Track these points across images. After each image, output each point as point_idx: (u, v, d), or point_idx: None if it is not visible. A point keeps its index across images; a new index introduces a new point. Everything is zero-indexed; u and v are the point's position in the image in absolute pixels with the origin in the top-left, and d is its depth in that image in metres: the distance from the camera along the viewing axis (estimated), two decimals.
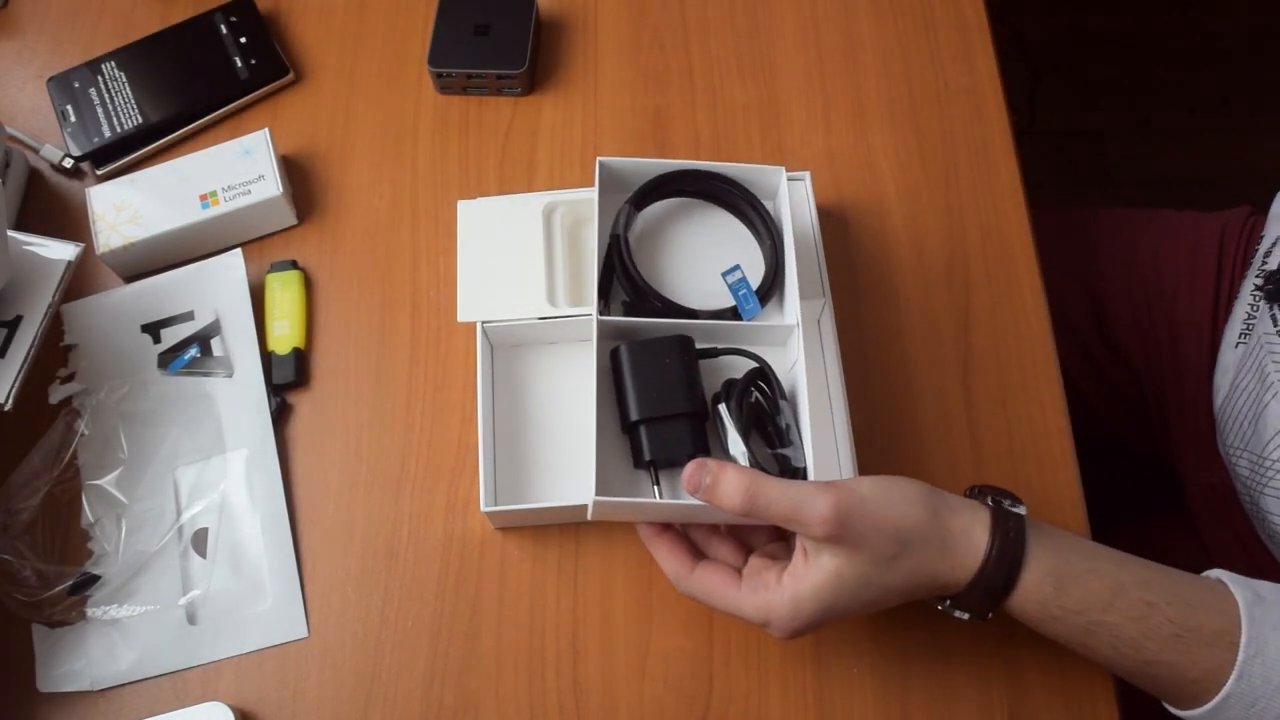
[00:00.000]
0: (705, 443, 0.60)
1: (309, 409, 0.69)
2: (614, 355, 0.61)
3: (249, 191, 0.71)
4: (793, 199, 0.68)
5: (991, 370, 0.68)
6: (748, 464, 0.57)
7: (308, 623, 0.63)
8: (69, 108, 0.76)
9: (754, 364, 0.62)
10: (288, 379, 0.68)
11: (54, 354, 0.70)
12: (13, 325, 0.66)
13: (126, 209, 0.71)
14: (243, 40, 0.78)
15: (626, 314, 0.64)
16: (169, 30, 0.79)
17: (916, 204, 0.73)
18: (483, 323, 0.65)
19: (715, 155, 0.75)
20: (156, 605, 0.63)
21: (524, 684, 0.61)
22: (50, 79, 0.77)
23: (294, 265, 0.72)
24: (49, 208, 0.76)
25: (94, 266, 0.73)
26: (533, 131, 0.77)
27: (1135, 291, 0.87)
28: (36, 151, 0.76)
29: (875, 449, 0.65)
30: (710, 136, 0.76)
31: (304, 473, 0.67)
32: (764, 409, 0.61)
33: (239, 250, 0.71)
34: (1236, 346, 0.75)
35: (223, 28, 0.79)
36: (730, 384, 0.61)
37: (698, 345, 0.62)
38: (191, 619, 0.63)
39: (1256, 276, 0.75)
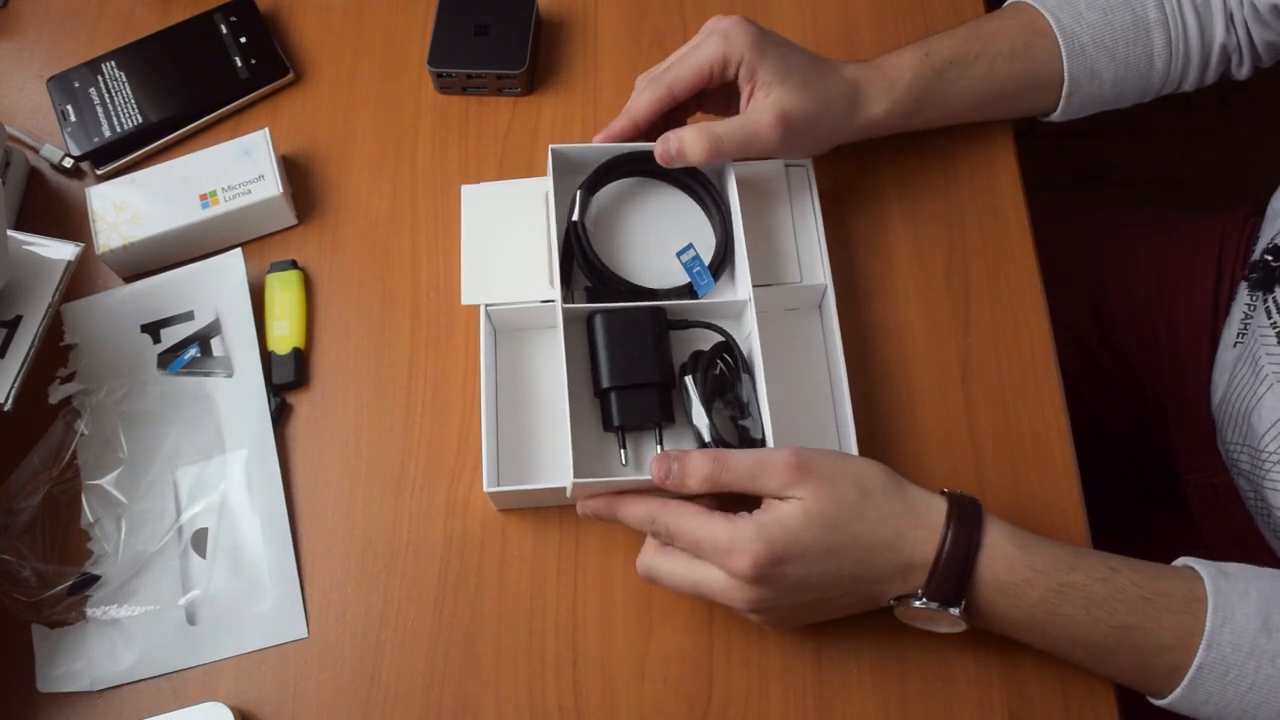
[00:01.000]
0: (671, 411, 0.63)
1: (309, 409, 0.69)
2: (589, 323, 0.64)
3: (249, 191, 0.71)
4: (793, 185, 0.70)
5: (991, 370, 0.68)
6: (708, 434, 0.61)
7: (307, 623, 0.63)
8: (69, 108, 0.76)
9: (721, 338, 0.64)
10: (288, 379, 0.68)
11: (54, 354, 0.70)
12: (12, 325, 0.66)
13: (126, 209, 0.71)
14: (243, 40, 0.78)
15: (589, 299, 0.66)
16: (169, 30, 0.79)
17: (916, 204, 0.73)
18: (486, 305, 0.66)
19: None
20: (156, 605, 0.63)
21: (524, 684, 0.61)
22: (50, 79, 0.77)
23: (294, 265, 0.72)
24: (49, 208, 0.76)
25: (94, 266, 0.73)
26: (533, 131, 0.77)
27: (1135, 291, 0.87)
28: (36, 151, 0.76)
29: (875, 449, 0.65)
30: None
31: (304, 473, 0.67)
32: (727, 381, 0.64)
33: (239, 250, 0.71)
34: (1235, 346, 0.75)
35: (223, 28, 0.79)
36: (697, 356, 0.64)
37: (669, 318, 0.65)
38: (191, 619, 0.63)
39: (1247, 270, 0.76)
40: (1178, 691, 0.53)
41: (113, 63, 0.77)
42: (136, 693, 0.62)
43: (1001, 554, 0.54)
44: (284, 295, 0.71)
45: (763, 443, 0.61)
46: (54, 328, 0.70)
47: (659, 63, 0.68)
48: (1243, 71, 0.73)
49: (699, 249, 0.67)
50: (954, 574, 0.53)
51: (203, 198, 0.71)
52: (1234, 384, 0.74)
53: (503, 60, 0.76)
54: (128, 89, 0.76)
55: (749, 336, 0.64)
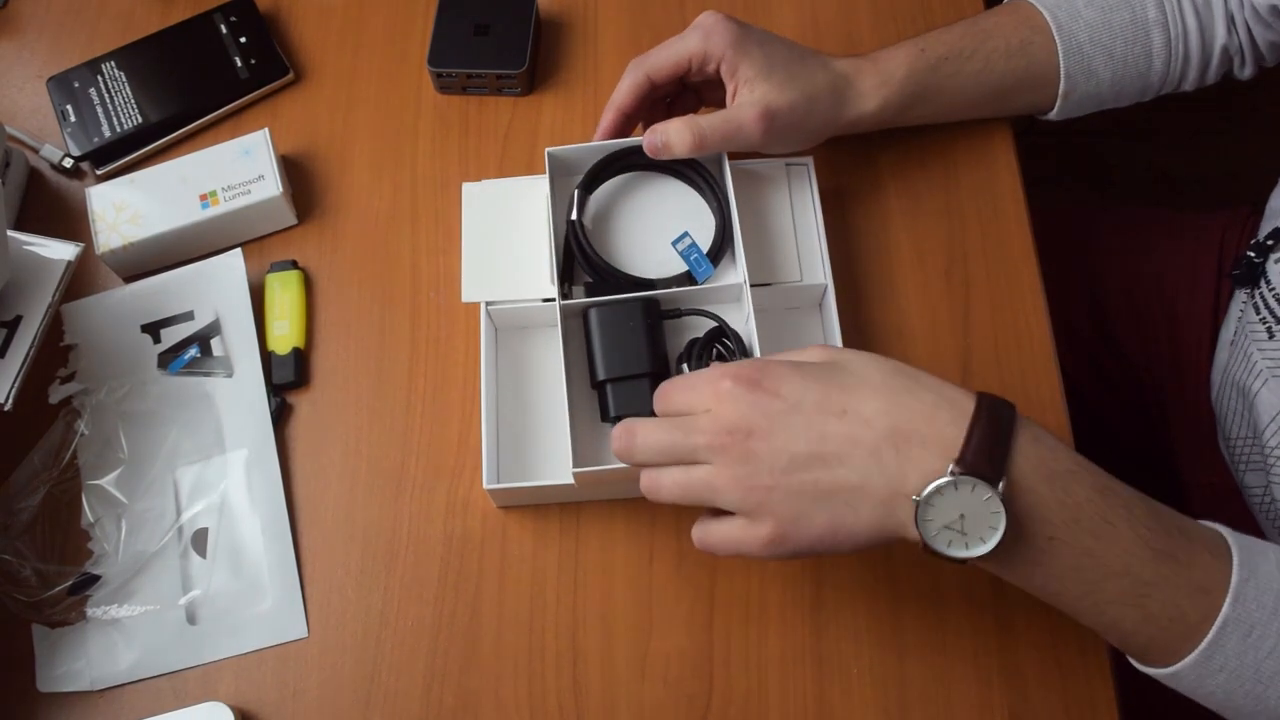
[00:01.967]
0: None
1: (309, 409, 0.69)
2: (584, 317, 0.65)
3: (249, 191, 0.71)
4: (794, 184, 0.70)
5: (991, 370, 0.68)
6: None
7: (308, 623, 0.63)
8: (69, 108, 0.76)
9: (714, 323, 0.65)
10: (287, 379, 0.68)
11: (54, 354, 0.70)
12: (13, 325, 0.66)
13: (126, 209, 0.71)
14: (243, 40, 0.78)
15: (589, 294, 0.66)
16: (169, 30, 0.79)
17: (917, 203, 0.73)
18: (487, 304, 0.66)
19: None
20: (156, 605, 0.63)
21: (524, 684, 0.61)
22: (50, 79, 0.77)
23: (294, 265, 0.72)
24: (49, 208, 0.76)
25: (94, 266, 0.73)
26: (533, 131, 0.77)
27: (1135, 291, 0.87)
28: (36, 151, 0.76)
29: None
30: None
31: (304, 473, 0.67)
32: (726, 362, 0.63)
33: (239, 250, 0.71)
34: (1231, 344, 0.75)
35: (223, 28, 0.79)
36: (693, 343, 0.64)
37: (662, 308, 0.66)
38: (191, 619, 0.63)
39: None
40: (1197, 651, 0.48)
41: (113, 63, 0.77)
42: (136, 693, 0.62)
43: (1045, 435, 0.48)
44: (284, 295, 0.71)
45: None
46: (54, 328, 0.70)
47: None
48: (1246, 72, 0.72)
49: (697, 237, 0.68)
50: (994, 434, 0.46)
51: (203, 198, 0.71)
52: (1228, 379, 0.75)
53: (503, 60, 0.76)
54: (128, 89, 0.76)
55: (747, 320, 0.65)
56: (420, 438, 0.67)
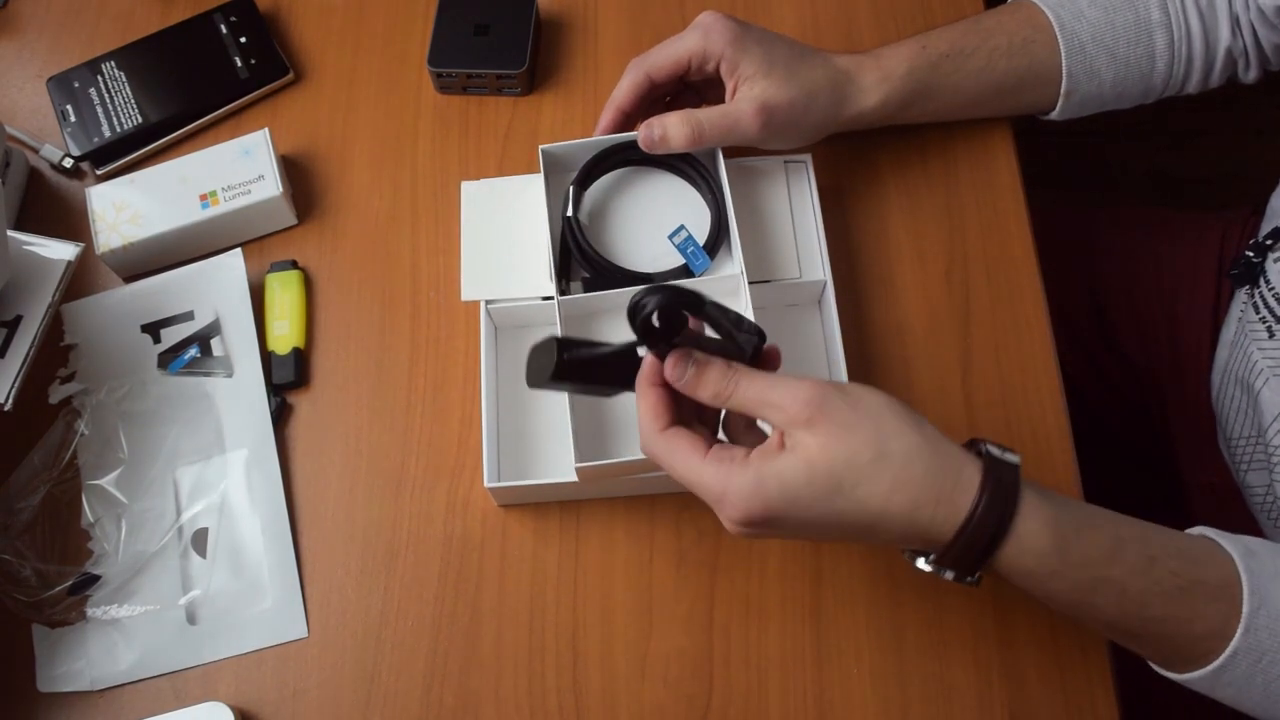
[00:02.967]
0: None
1: (309, 409, 0.69)
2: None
3: (249, 191, 0.71)
4: (792, 181, 0.70)
5: (991, 370, 0.68)
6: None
7: (308, 623, 0.63)
8: (69, 108, 0.76)
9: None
10: (287, 379, 0.68)
11: (54, 354, 0.70)
12: (13, 325, 0.66)
13: (126, 209, 0.71)
14: (243, 40, 0.78)
15: (587, 290, 0.66)
16: (169, 30, 0.79)
17: (917, 202, 0.73)
18: (486, 303, 0.66)
19: None
20: (156, 605, 0.63)
21: (524, 684, 0.61)
22: (50, 79, 0.77)
23: (294, 265, 0.72)
24: (49, 208, 0.76)
25: (94, 266, 0.73)
26: (532, 131, 0.76)
27: (1135, 291, 0.87)
28: (36, 151, 0.76)
29: None
30: None
31: (304, 473, 0.67)
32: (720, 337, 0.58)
33: (239, 250, 0.71)
34: (1232, 344, 0.75)
35: (223, 28, 0.79)
36: (642, 314, 0.54)
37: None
38: (191, 619, 0.63)
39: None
40: (1203, 672, 0.51)
41: (112, 63, 0.77)
42: (136, 692, 0.62)
43: (1033, 546, 0.49)
44: (284, 295, 0.71)
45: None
46: (54, 328, 0.70)
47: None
48: (1251, 76, 0.72)
49: (693, 230, 0.68)
50: (973, 556, 0.49)
51: (203, 198, 0.71)
52: (1228, 378, 0.74)
53: (503, 60, 0.76)
54: (127, 89, 0.76)
55: (744, 312, 0.64)
56: (420, 437, 0.67)
